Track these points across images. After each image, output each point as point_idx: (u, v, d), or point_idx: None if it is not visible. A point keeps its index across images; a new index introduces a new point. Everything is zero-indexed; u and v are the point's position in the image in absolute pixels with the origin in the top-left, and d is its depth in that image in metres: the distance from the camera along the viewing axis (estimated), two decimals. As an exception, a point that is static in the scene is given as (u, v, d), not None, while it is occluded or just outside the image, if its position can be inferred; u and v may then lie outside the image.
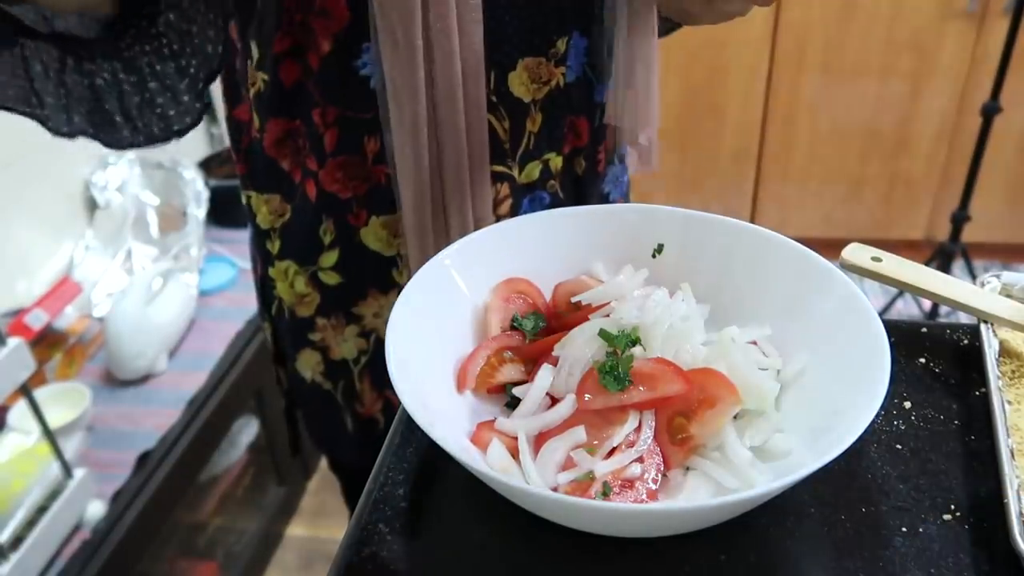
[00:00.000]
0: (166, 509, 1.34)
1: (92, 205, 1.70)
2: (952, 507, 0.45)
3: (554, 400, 0.48)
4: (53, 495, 1.15)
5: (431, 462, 0.49)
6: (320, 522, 1.85)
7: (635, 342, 0.48)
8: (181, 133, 0.61)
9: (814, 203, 2.52)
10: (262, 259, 0.81)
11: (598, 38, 0.71)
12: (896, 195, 2.46)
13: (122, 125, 0.59)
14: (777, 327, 0.51)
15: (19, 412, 1.25)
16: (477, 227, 0.68)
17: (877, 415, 0.41)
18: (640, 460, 0.44)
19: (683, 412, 0.45)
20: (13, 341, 1.03)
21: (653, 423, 0.45)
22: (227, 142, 0.82)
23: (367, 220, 0.72)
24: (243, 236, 0.93)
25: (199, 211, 1.77)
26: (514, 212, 0.73)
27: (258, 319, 1.61)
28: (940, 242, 2.09)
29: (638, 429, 0.45)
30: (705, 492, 0.44)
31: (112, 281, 1.63)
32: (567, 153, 0.74)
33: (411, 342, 0.47)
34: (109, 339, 1.43)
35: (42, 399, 1.21)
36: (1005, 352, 0.54)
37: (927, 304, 2.18)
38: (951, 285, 0.57)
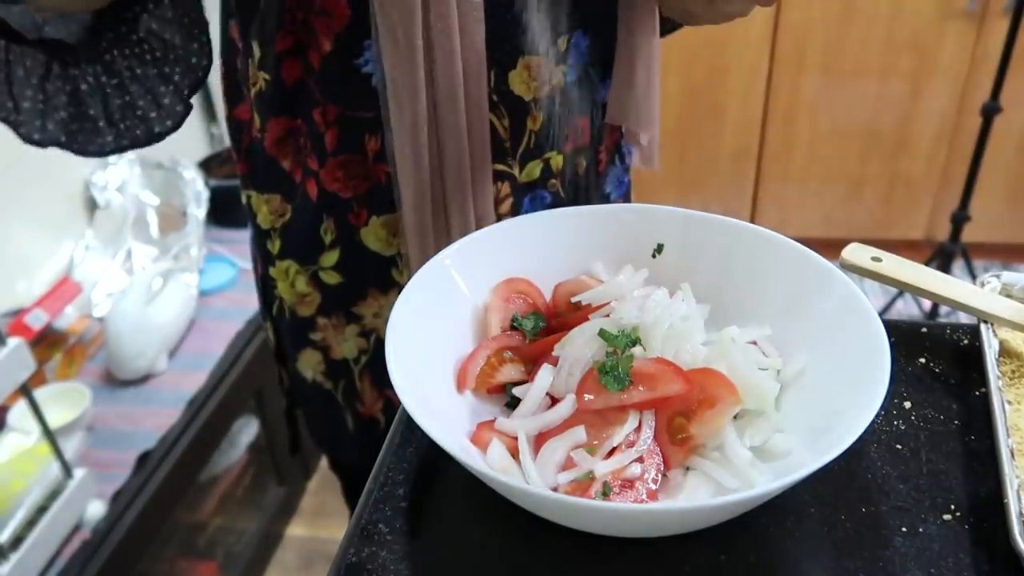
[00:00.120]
0: (166, 509, 1.34)
1: (92, 205, 1.70)
2: (952, 507, 0.45)
3: (554, 400, 0.48)
4: (53, 495, 1.15)
5: (431, 462, 0.49)
6: (320, 522, 1.85)
7: (635, 342, 0.48)
8: (162, 136, 0.61)
9: (814, 203, 2.51)
10: (263, 259, 0.81)
11: (599, 37, 0.71)
12: (896, 195, 2.46)
13: (105, 129, 0.59)
14: (777, 327, 0.51)
15: (19, 412, 1.25)
16: (479, 226, 0.68)
17: (877, 415, 0.41)
18: (640, 460, 0.44)
19: (683, 412, 0.45)
20: (13, 341, 1.03)
21: (653, 423, 0.45)
22: (227, 142, 0.83)
23: (367, 220, 0.72)
24: (243, 236, 0.93)
25: (199, 211, 1.77)
26: (515, 211, 0.73)
27: (258, 319, 1.62)
28: (940, 242, 2.09)
29: (638, 429, 0.45)
30: (705, 492, 0.44)
31: (112, 281, 1.63)
32: (568, 152, 0.74)
33: (411, 342, 0.47)
34: (109, 339, 1.43)
35: (42, 399, 1.21)
36: (1005, 352, 0.54)
37: (927, 304, 2.18)
38: (951, 285, 0.57)
